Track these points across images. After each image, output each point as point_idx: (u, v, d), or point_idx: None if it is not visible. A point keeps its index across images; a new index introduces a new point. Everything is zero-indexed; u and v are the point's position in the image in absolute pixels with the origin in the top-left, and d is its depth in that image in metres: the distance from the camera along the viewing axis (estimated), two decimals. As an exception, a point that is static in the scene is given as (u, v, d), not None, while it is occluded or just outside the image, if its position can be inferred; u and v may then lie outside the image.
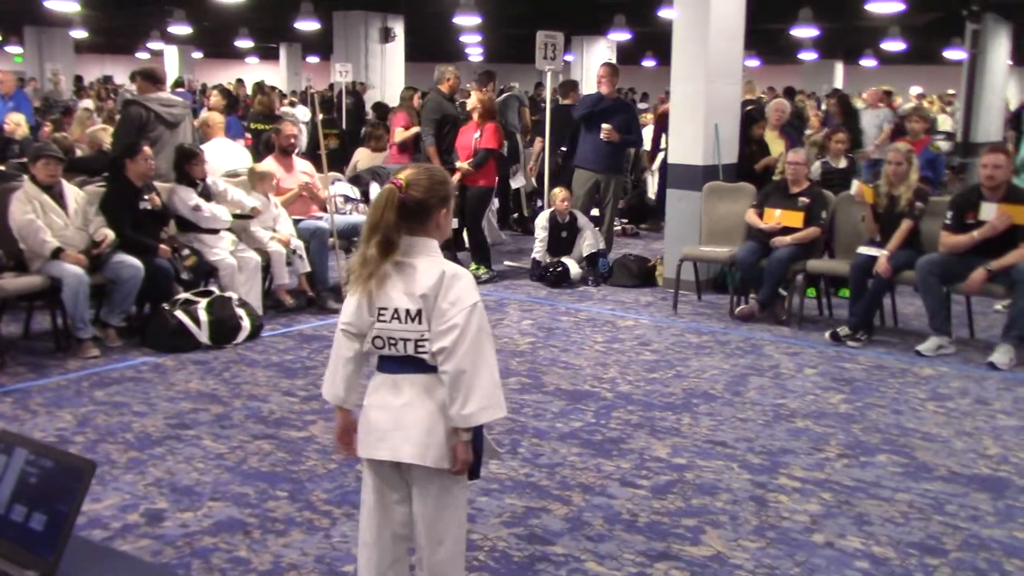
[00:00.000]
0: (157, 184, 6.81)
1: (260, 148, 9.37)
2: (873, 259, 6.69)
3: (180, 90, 16.52)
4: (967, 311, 6.96)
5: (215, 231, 6.89)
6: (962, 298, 6.85)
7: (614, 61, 22.40)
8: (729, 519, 3.97)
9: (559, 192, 8.66)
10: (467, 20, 17.21)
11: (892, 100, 15.30)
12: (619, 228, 11.51)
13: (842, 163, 8.37)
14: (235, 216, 7.03)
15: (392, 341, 2.67)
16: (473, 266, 8.70)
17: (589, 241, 8.68)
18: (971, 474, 4.48)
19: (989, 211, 6.34)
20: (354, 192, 8.34)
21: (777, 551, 3.70)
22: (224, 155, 8.24)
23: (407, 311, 2.64)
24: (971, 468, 4.55)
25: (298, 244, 7.33)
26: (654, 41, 21.43)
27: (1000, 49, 16.86)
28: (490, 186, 8.82)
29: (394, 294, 2.66)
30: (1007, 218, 6.25)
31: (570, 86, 11.05)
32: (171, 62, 26.59)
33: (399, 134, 10.26)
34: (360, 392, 2.81)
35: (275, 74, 29.11)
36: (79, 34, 24.01)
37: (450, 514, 2.77)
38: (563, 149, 9.61)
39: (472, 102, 8.88)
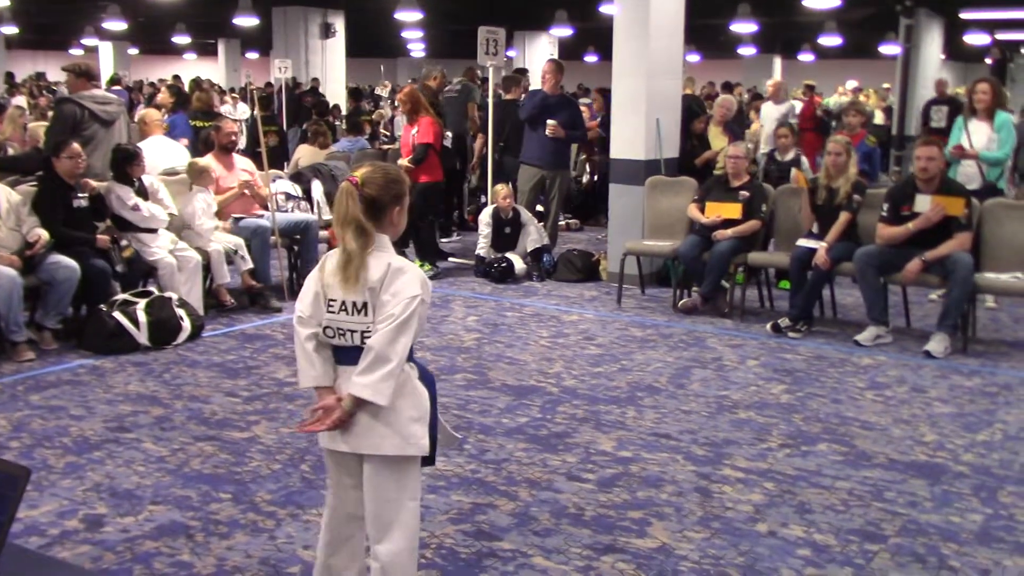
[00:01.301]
0: (94, 183, 6.68)
1: (199, 146, 9.22)
2: (812, 251, 6.79)
3: (116, 88, 16.20)
4: (903, 301, 7.10)
5: (153, 230, 6.78)
6: (899, 288, 6.98)
7: (556, 56, 22.48)
8: (674, 511, 4.00)
9: (501, 189, 8.66)
10: (408, 16, 17.13)
11: (815, 94, 15.51)
12: (563, 223, 11.56)
13: (789, 156, 8.47)
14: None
15: (341, 331, 2.78)
16: (417, 262, 8.67)
17: (533, 236, 8.69)
18: (909, 461, 4.57)
19: (924, 203, 6.47)
20: (295, 190, 8.25)
21: (722, 541, 3.74)
22: (161, 153, 8.11)
23: (354, 303, 2.75)
24: (909, 455, 4.64)
25: (238, 242, 7.24)
26: (596, 37, 21.52)
27: (933, 44, 17.25)
28: (434, 181, 8.76)
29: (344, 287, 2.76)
30: (941, 210, 6.38)
31: (512, 81, 11.05)
32: (106, 58, 26.07)
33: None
34: (333, 374, 2.85)
35: (214, 70, 28.72)
36: (9, 30, 23.45)
37: (403, 502, 2.85)
38: (501, 144, 9.62)
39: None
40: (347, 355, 2.79)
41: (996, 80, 7.96)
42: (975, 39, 19.74)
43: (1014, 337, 6.92)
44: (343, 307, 2.76)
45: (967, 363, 6.18)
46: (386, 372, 2.69)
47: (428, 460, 2.93)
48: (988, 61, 21.29)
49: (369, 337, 2.72)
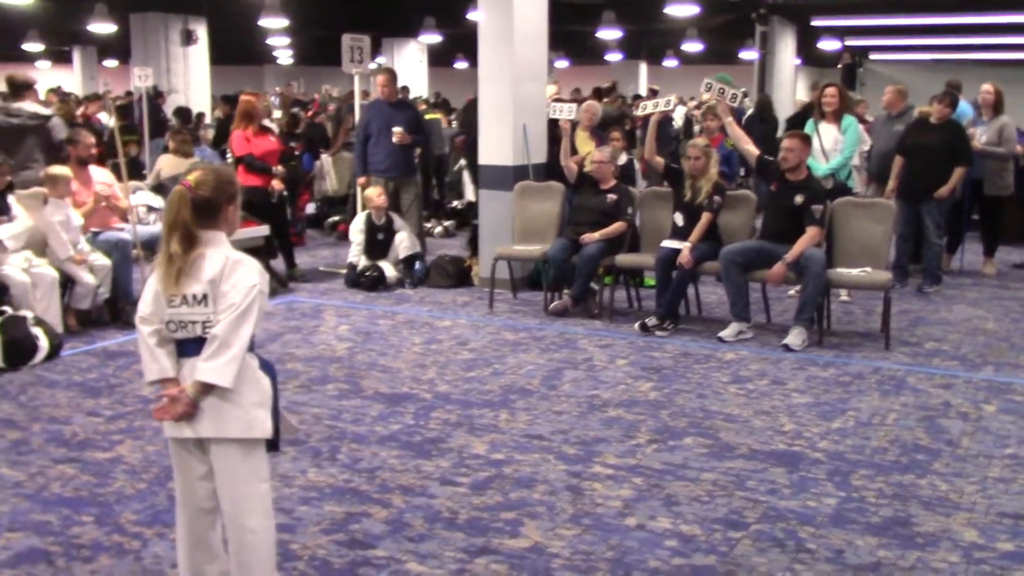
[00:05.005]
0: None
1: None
2: (676, 251, 7.00)
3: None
4: (763, 297, 7.38)
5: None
6: (759, 285, 7.25)
7: (424, 62, 22.46)
8: (546, 509, 4.07)
9: (374, 190, 8.62)
10: (273, 22, 16.86)
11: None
12: (440, 229, 11.63)
13: (621, 160, 8.62)
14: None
15: (183, 324, 2.92)
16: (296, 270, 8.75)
17: (405, 243, 8.68)
18: (769, 450, 4.76)
19: None
20: (157, 201, 8.03)
21: (592, 537, 3.82)
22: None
23: (194, 295, 2.90)
24: (769, 445, 4.83)
25: (106, 265, 7.01)
26: (464, 43, 21.59)
27: (787, 50, 17.95)
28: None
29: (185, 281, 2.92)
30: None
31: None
32: (-48, 67, 24.80)
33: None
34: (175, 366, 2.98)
35: (69, 79, 27.61)
36: None
37: (254, 484, 2.99)
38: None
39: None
40: (189, 347, 2.93)
41: (843, 84, 8.37)
42: (827, 45, 20.62)
43: (866, 328, 7.27)
44: (184, 300, 2.90)
45: (823, 355, 6.47)
46: (229, 357, 2.84)
47: (272, 446, 3.06)
48: (839, 66, 22.26)
49: (210, 327, 2.87)
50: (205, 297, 2.88)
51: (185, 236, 2.88)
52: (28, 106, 7.74)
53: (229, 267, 2.88)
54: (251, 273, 2.90)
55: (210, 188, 2.93)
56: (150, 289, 2.96)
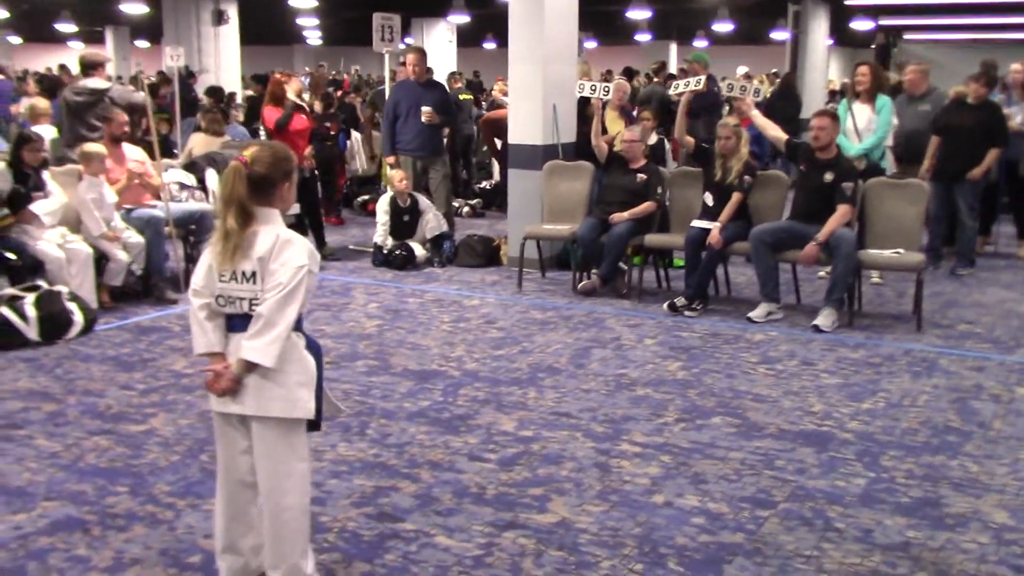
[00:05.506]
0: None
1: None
2: (706, 232, 6.97)
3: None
4: (793, 278, 7.34)
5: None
6: (789, 266, 7.21)
7: (454, 42, 22.41)
8: (574, 486, 4.09)
9: (396, 173, 8.63)
10: (303, 3, 16.90)
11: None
12: (468, 208, 11.62)
13: (651, 140, 8.61)
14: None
15: (231, 300, 2.94)
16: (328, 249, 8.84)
17: (432, 224, 8.69)
18: (798, 430, 4.75)
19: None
20: (189, 179, 8.09)
21: (620, 513, 3.84)
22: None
23: (243, 272, 2.91)
24: (798, 425, 4.82)
25: (139, 245, 7.08)
26: (494, 23, 21.53)
27: (820, 30, 17.74)
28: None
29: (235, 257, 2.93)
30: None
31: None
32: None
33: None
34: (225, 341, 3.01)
35: (103, 59, 27.80)
36: None
37: (292, 463, 3.02)
38: None
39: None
40: (237, 323, 2.95)
41: (876, 64, 8.28)
42: (860, 25, 20.36)
43: (897, 310, 7.21)
44: (233, 276, 2.91)
45: (853, 336, 6.43)
46: (273, 336, 2.85)
47: (314, 425, 3.08)
48: (873, 46, 22.01)
49: (256, 305, 2.88)
50: (254, 275, 2.89)
51: (241, 212, 2.87)
52: (91, 82, 7.86)
53: (279, 246, 2.87)
54: (300, 253, 2.89)
55: (266, 165, 2.93)
56: (204, 263, 2.97)
